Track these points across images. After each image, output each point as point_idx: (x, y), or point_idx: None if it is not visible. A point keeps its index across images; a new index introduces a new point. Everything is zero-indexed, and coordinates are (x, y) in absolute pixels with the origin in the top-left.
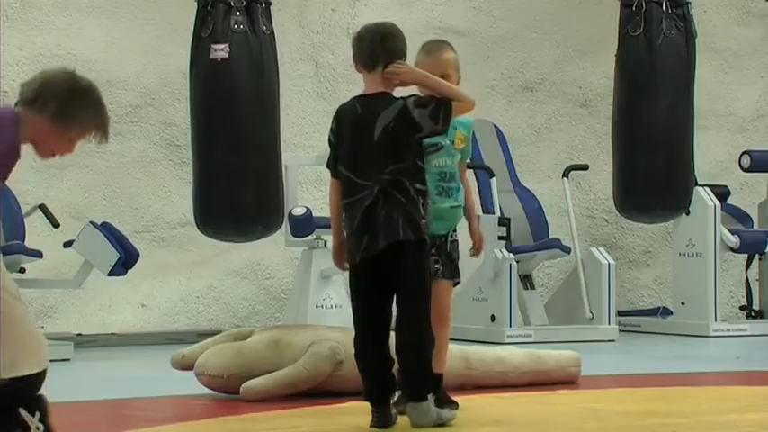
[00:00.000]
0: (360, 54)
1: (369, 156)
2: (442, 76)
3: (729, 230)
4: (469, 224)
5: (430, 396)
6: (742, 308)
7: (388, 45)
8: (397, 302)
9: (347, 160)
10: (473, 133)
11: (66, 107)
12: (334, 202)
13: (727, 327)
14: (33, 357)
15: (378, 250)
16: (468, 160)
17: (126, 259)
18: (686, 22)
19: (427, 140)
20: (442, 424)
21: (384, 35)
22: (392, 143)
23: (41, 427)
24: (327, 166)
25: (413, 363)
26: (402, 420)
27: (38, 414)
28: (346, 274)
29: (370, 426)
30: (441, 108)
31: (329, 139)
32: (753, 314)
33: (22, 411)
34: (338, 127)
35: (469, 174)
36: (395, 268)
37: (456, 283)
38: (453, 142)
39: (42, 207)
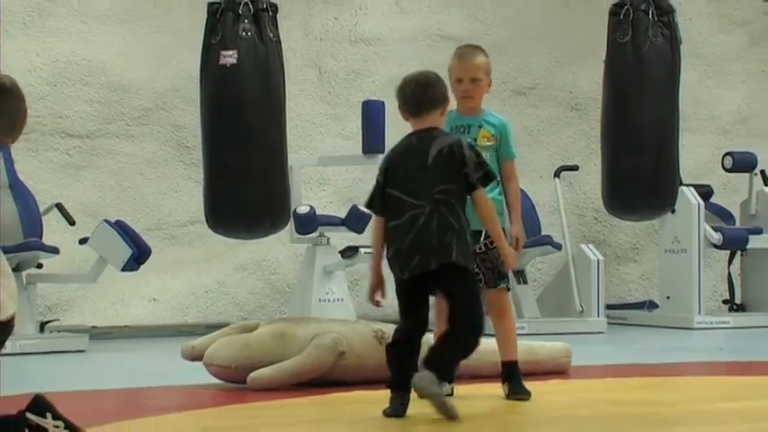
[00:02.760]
0: (405, 104)
1: (420, 177)
2: (473, 80)
3: (713, 228)
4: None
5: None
6: (725, 301)
7: (431, 94)
8: (451, 313)
9: (398, 182)
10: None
11: None
12: (378, 239)
13: (711, 319)
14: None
15: (428, 270)
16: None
17: (138, 255)
18: (672, 29)
19: None
20: (440, 408)
21: (426, 85)
22: (445, 165)
23: (60, 424)
24: (369, 207)
25: (447, 354)
26: (414, 413)
27: (49, 414)
28: (348, 269)
29: (384, 413)
30: (486, 168)
31: (377, 180)
32: (735, 307)
33: (31, 416)
34: (388, 163)
35: None
36: (440, 283)
37: (507, 289)
38: (476, 140)
39: (59, 206)
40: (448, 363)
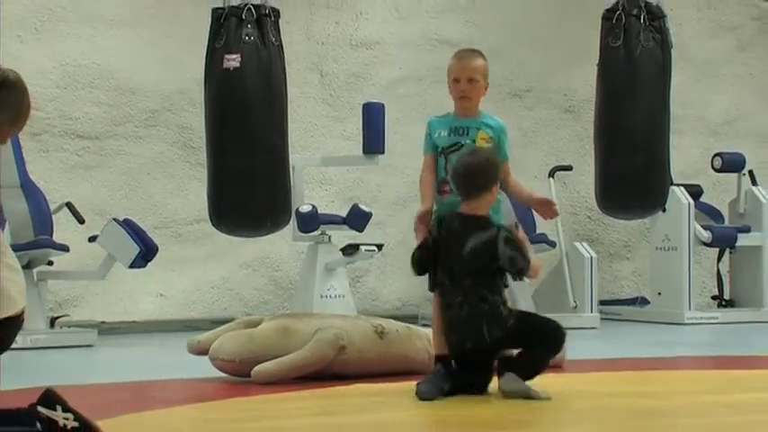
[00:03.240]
0: (457, 187)
1: (457, 268)
2: (469, 80)
3: (702, 226)
4: (528, 198)
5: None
6: (714, 297)
7: (481, 181)
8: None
9: (444, 269)
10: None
11: None
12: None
13: (701, 315)
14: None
15: (465, 351)
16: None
17: (146, 253)
18: (663, 34)
19: (448, 140)
20: (530, 397)
21: (475, 173)
22: (476, 261)
23: (70, 416)
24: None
25: (532, 359)
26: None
27: (59, 407)
28: (349, 267)
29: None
30: (520, 262)
31: (430, 231)
32: (723, 303)
33: (42, 409)
34: (440, 232)
35: None
36: (489, 355)
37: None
38: (475, 141)
39: (69, 205)
40: (535, 369)
